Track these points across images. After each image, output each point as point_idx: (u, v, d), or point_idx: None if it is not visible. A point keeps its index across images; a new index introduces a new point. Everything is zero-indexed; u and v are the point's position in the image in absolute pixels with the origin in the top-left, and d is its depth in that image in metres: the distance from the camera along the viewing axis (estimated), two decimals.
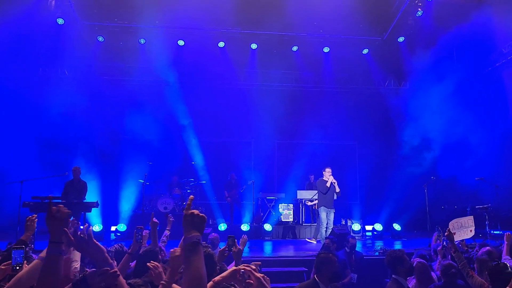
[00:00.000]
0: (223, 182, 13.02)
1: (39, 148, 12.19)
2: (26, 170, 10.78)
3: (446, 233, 4.72)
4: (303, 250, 9.23)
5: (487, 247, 4.86)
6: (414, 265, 4.76)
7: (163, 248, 4.85)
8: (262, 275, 2.08)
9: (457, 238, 5.45)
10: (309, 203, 12.09)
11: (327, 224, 9.47)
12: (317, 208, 9.99)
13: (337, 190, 9.51)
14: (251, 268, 1.97)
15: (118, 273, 2.02)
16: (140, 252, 3.76)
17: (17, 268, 2.55)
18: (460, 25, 11.75)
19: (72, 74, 13.39)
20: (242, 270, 1.96)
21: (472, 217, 5.84)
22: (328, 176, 9.54)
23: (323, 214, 9.48)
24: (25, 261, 2.63)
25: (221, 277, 2.15)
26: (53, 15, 12.12)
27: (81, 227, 8.13)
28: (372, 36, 14.02)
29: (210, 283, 2.16)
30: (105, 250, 2.11)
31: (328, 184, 9.46)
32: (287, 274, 7.28)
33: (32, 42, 11.87)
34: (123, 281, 2.16)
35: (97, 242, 2.10)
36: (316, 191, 10.32)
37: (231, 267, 2.30)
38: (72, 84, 12.83)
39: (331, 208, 9.51)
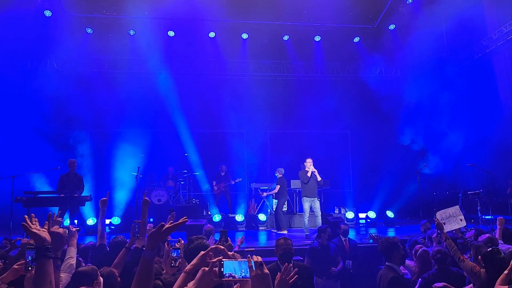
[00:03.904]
0: (216, 173, 13.01)
1: (29, 142, 12.05)
2: (17, 165, 10.68)
3: (436, 223, 4.83)
4: (297, 239, 9.27)
5: (487, 235, 4.94)
6: (418, 252, 5.01)
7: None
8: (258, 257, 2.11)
9: (448, 228, 5.55)
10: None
11: (314, 213, 9.56)
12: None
13: (319, 179, 9.60)
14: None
15: None
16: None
17: (30, 268, 2.60)
18: (451, 11, 11.76)
19: (62, 66, 13.24)
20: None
21: (457, 206, 5.94)
22: (309, 166, 9.64)
23: (305, 205, 9.56)
24: None
25: (191, 265, 2.15)
26: (40, 7, 11.95)
27: (75, 221, 8.06)
28: (363, 24, 14.01)
29: (183, 274, 2.15)
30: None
31: (308, 174, 9.55)
32: None
33: (19, 35, 11.67)
34: None
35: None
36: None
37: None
38: (62, 76, 12.69)
39: (314, 197, 9.59)
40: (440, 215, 5.81)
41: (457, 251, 4.30)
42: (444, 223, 5.41)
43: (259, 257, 1.96)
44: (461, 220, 5.72)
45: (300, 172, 9.87)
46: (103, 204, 4.32)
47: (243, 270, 1.92)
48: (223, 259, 1.94)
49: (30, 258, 2.64)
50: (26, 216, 2.02)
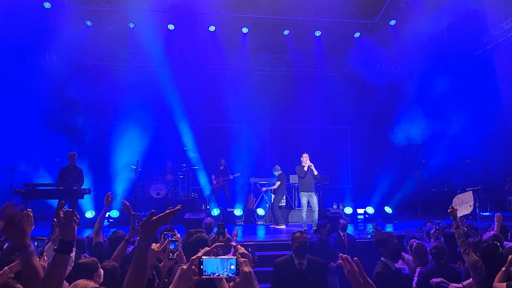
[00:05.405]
0: (215, 167, 13.01)
1: (28, 134, 12.03)
2: (16, 157, 10.67)
3: (449, 210, 4.73)
4: None
5: (492, 232, 4.96)
6: (414, 246, 5.10)
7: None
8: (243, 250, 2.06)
9: (459, 214, 5.53)
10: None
11: (312, 208, 9.55)
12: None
13: (315, 173, 9.54)
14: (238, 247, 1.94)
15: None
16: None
17: (38, 258, 2.61)
18: (452, 7, 11.73)
19: (61, 59, 13.19)
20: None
21: (471, 192, 5.90)
22: (305, 161, 9.61)
23: (303, 199, 9.53)
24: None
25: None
26: None
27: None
28: (364, 20, 13.95)
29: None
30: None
31: (305, 169, 9.53)
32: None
33: (18, 27, 11.61)
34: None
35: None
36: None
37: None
38: (61, 69, 12.65)
39: (311, 192, 9.53)
40: (454, 201, 5.78)
41: (465, 243, 4.27)
42: (457, 210, 5.38)
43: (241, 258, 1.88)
44: (470, 206, 5.71)
45: (296, 167, 9.86)
46: (107, 202, 4.38)
47: (225, 269, 1.76)
48: (202, 257, 1.81)
49: (40, 249, 2.65)
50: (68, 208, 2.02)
